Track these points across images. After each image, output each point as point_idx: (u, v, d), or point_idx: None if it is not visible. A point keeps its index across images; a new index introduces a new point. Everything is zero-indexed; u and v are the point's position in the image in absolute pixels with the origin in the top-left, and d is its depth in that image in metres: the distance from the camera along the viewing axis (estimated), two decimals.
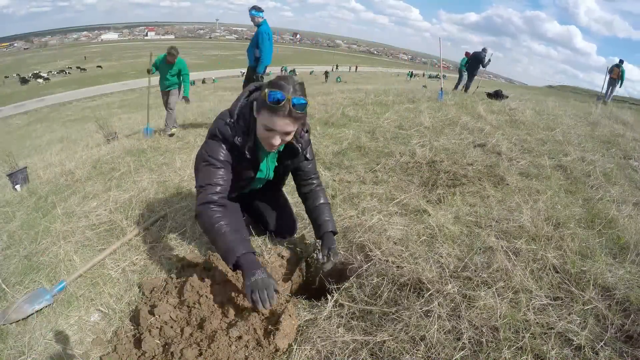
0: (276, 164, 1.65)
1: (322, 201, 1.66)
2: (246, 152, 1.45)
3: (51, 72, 47.49)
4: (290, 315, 1.28)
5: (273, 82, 1.30)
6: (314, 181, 1.69)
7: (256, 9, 4.63)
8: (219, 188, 1.40)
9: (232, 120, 1.43)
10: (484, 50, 9.38)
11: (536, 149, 3.15)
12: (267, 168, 1.64)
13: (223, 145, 1.44)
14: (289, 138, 1.39)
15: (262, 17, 4.66)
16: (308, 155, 1.64)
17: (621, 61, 10.53)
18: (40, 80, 41.04)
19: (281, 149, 1.56)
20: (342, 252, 1.74)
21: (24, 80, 41.06)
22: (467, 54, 10.15)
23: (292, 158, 1.59)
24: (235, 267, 1.29)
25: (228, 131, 1.42)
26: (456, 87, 10.27)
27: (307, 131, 1.57)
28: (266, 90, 1.27)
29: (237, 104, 1.46)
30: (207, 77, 35.98)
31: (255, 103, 1.38)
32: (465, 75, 9.91)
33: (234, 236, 1.31)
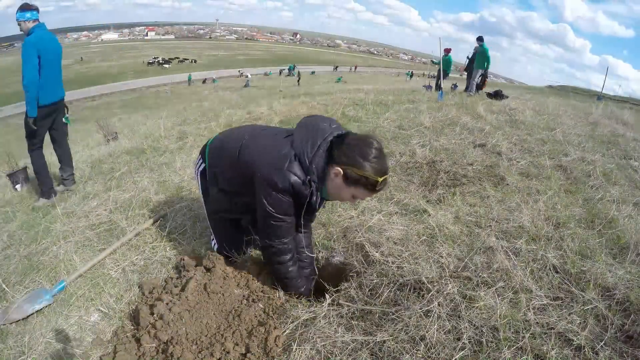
0: None
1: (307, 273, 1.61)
2: (316, 208, 1.43)
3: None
4: (275, 328, 1.28)
5: (372, 159, 1.23)
6: (309, 227, 1.67)
7: (23, 8, 2.70)
8: (288, 238, 1.42)
9: (308, 178, 1.30)
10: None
11: (536, 149, 3.15)
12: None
13: (291, 200, 1.34)
14: None
15: (34, 21, 2.71)
16: (324, 204, 1.62)
17: (480, 38, 8.42)
18: (166, 65, 53.68)
19: None
20: (341, 252, 1.74)
21: (159, 63, 54.43)
22: (447, 51, 9.51)
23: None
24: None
25: (303, 191, 1.31)
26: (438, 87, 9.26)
27: None
28: (376, 178, 1.23)
29: (310, 153, 1.29)
30: (207, 77, 36.02)
31: (345, 171, 1.25)
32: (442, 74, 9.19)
33: (300, 283, 1.49)
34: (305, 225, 1.63)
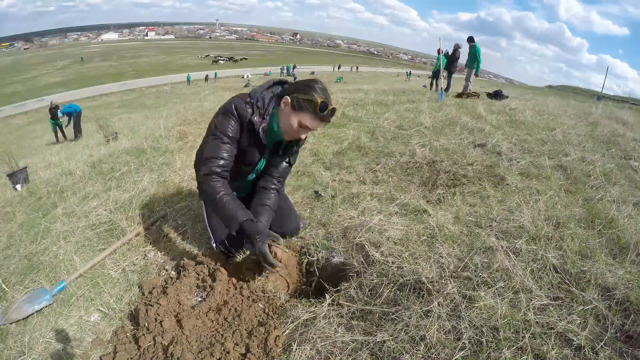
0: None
1: (267, 203, 1.65)
2: (260, 132, 1.51)
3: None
4: (275, 328, 1.28)
5: (317, 88, 1.47)
6: (276, 183, 1.71)
7: None
8: (222, 162, 1.48)
9: (251, 100, 1.51)
10: (458, 46, 9.22)
11: (536, 149, 3.15)
12: (264, 158, 1.69)
13: (234, 122, 1.50)
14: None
15: None
16: (291, 160, 1.74)
17: (470, 38, 8.48)
18: (221, 61, 66.40)
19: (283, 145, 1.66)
20: (341, 252, 1.74)
21: (215, 61, 66.26)
22: (439, 51, 9.55)
23: (283, 155, 1.68)
24: (238, 233, 1.45)
25: (245, 108, 1.49)
26: (436, 86, 9.51)
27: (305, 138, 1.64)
28: (315, 97, 1.43)
29: (258, 89, 1.54)
30: (209, 75, 36.08)
31: (292, 99, 1.45)
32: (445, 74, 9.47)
33: (234, 205, 1.45)
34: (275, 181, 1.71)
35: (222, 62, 66.49)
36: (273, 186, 1.70)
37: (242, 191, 1.87)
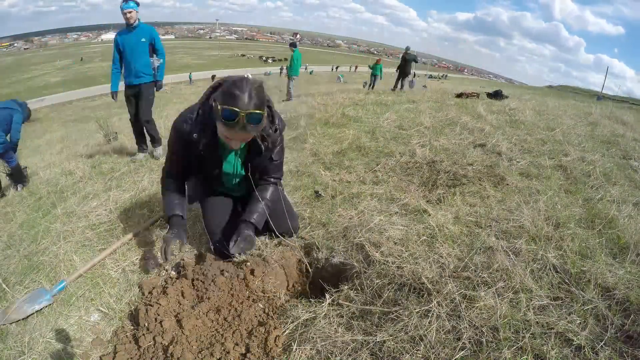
0: (242, 160, 1.68)
1: (258, 195, 1.68)
2: (200, 149, 1.52)
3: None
4: (275, 328, 1.28)
5: (226, 93, 1.30)
6: (271, 179, 1.75)
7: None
8: (169, 170, 1.72)
9: (190, 116, 1.50)
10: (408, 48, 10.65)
11: (536, 149, 3.15)
12: (234, 163, 1.67)
13: (176, 139, 1.56)
14: (249, 139, 1.47)
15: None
16: (274, 156, 1.65)
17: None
18: (269, 60, 70.72)
19: (242, 146, 1.59)
20: (341, 252, 1.74)
21: (265, 60, 71.32)
22: (378, 60, 12.33)
23: (258, 156, 1.61)
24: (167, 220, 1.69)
25: (184, 128, 1.51)
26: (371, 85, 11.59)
27: (276, 130, 1.54)
28: (219, 106, 1.29)
29: (202, 99, 1.48)
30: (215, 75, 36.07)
31: (214, 107, 1.35)
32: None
33: (170, 200, 1.69)
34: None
35: (271, 61, 68.72)
36: (266, 180, 1.75)
37: (237, 192, 1.88)
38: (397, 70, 10.67)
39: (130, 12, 3.36)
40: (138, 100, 3.59)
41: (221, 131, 1.38)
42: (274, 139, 1.56)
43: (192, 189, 1.86)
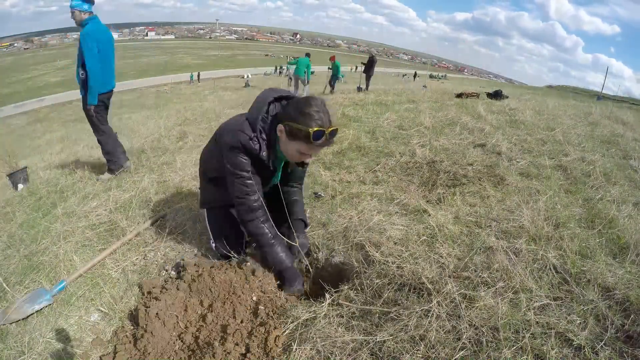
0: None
1: (296, 197, 1.79)
2: (270, 165, 1.53)
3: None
4: (275, 328, 1.28)
5: (306, 113, 1.35)
6: (297, 185, 1.83)
7: None
8: (256, 196, 1.53)
9: (255, 135, 1.45)
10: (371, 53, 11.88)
11: (536, 149, 3.15)
12: (279, 173, 1.72)
13: (246, 157, 1.49)
14: None
15: (89, 13, 2.88)
16: (306, 166, 1.74)
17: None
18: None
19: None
20: (341, 252, 1.74)
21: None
22: (332, 58, 12.17)
23: (301, 166, 1.67)
24: (279, 274, 1.53)
25: (252, 146, 1.45)
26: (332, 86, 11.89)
27: None
28: (301, 127, 1.34)
29: (256, 115, 1.46)
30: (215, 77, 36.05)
31: (285, 127, 1.39)
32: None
33: (280, 249, 1.54)
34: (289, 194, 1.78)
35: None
36: (295, 186, 1.83)
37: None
38: (364, 72, 11.40)
39: (72, 12, 2.85)
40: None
41: (301, 149, 1.40)
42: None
43: (212, 194, 1.80)
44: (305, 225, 1.79)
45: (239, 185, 1.52)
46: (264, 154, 1.47)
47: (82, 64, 2.87)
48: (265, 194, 1.85)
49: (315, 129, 1.32)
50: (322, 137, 1.35)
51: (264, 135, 1.47)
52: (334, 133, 1.39)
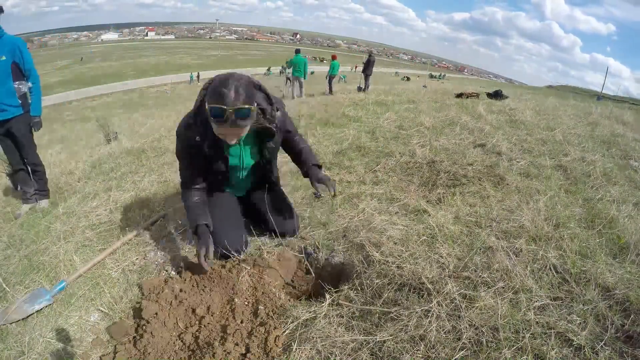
0: (254, 149, 1.71)
1: (302, 145, 1.84)
2: (205, 150, 1.53)
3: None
4: (275, 328, 1.28)
5: (214, 91, 1.32)
6: (302, 145, 1.86)
7: None
8: (189, 180, 1.69)
9: (191, 121, 1.51)
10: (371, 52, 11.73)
11: (536, 149, 3.15)
12: (240, 155, 1.69)
13: (182, 145, 1.59)
14: (244, 133, 1.45)
15: None
16: (289, 128, 1.75)
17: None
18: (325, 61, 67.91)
19: (243, 138, 1.58)
20: (341, 252, 1.74)
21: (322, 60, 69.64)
22: (333, 56, 12.07)
23: (272, 137, 1.65)
24: (194, 232, 1.62)
25: (184, 133, 1.54)
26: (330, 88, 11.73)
27: (277, 109, 1.60)
28: (207, 105, 1.32)
29: (197, 101, 1.48)
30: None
31: (206, 107, 1.37)
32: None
33: (197, 210, 1.65)
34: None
35: (325, 61, 69.88)
36: (301, 147, 1.85)
37: (240, 190, 1.91)
38: (362, 72, 11.48)
39: None
40: (13, 141, 2.63)
41: (215, 129, 1.40)
42: (280, 118, 1.63)
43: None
44: (319, 167, 1.83)
45: (180, 173, 1.72)
46: (197, 138, 1.50)
47: (17, 78, 2.52)
48: (253, 190, 1.91)
49: (213, 105, 1.30)
50: (224, 115, 1.29)
51: (199, 120, 1.48)
52: (241, 112, 1.30)
